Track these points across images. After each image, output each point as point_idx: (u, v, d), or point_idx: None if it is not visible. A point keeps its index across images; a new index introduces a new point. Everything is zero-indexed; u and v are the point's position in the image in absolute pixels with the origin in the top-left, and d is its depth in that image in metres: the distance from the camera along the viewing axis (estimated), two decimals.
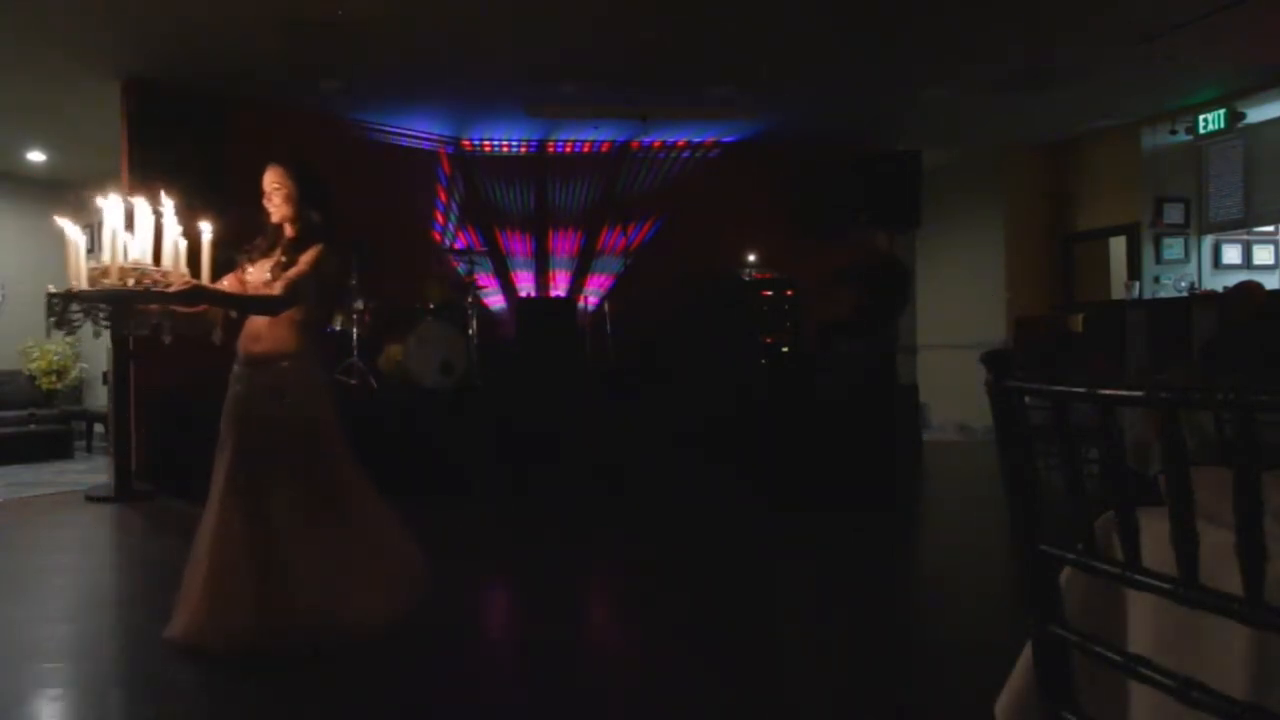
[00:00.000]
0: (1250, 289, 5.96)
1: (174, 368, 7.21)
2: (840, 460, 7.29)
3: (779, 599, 4.34)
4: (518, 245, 9.33)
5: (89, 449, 9.79)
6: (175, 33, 6.30)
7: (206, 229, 3.28)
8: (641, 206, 9.25)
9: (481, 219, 9.22)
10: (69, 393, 10.19)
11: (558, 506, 6.32)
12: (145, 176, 7.06)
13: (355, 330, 7.48)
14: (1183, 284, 8.64)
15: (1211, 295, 7.67)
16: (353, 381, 7.35)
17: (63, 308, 3.00)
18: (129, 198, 3.15)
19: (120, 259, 3.06)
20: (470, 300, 8.05)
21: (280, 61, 6.86)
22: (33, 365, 9.93)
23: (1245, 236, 8.91)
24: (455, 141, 9.12)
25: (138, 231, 3.12)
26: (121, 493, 6.63)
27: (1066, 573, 1.54)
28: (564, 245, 9.35)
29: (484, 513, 6.24)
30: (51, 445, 9.25)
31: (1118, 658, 1.28)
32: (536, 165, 9.30)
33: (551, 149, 9.30)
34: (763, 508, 6.41)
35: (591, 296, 9.16)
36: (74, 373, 10.19)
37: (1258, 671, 1.27)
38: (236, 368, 3.46)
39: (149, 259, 3.14)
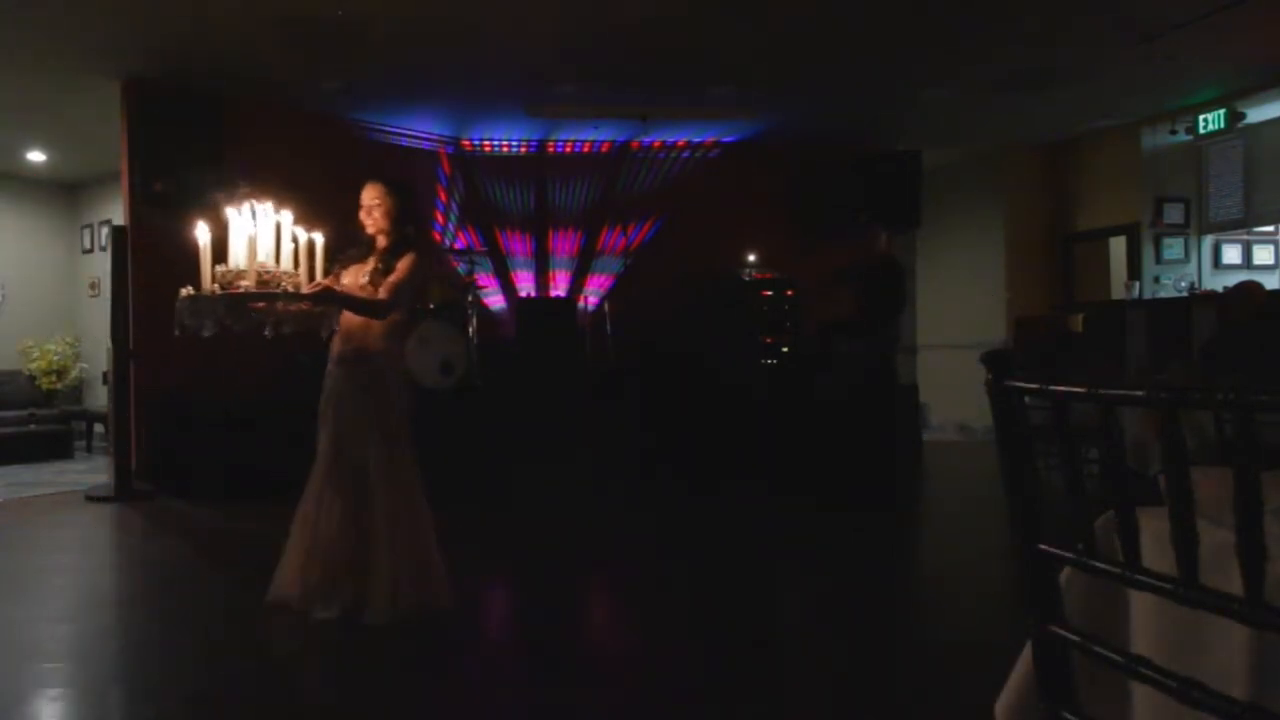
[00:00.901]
0: (1250, 289, 5.95)
1: (174, 368, 7.23)
2: (840, 460, 7.30)
3: (778, 599, 4.34)
4: (518, 245, 9.33)
5: (89, 449, 9.79)
6: (175, 33, 6.30)
7: (319, 236, 3.58)
8: (641, 206, 9.25)
9: (481, 219, 9.22)
10: (69, 393, 10.19)
11: (557, 506, 6.32)
12: (145, 176, 7.08)
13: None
14: (1183, 284, 8.63)
15: (1211, 295, 7.66)
16: None
17: (194, 310, 3.36)
18: (255, 206, 3.43)
19: (253, 263, 3.35)
20: (470, 300, 8.05)
21: (280, 61, 6.86)
22: (33, 365, 9.93)
23: (1245, 236, 8.91)
24: (455, 141, 9.12)
25: (263, 237, 3.42)
26: (121, 493, 6.63)
27: (1066, 573, 1.54)
28: (564, 245, 9.35)
29: (483, 513, 6.23)
30: (51, 445, 9.24)
31: (1118, 658, 1.28)
32: (536, 165, 9.30)
33: (551, 149, 9.30)
34: (763, 507, 6.41)
35: (591, 296, 9.16)
36: (74, 373, 10.19)
37: (1258, 671, 1.27)
38: (330, 364, 3.76)
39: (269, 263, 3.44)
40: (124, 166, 7.32)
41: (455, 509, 6.32)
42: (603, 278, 9.30)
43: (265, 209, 3.44)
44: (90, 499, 6.66)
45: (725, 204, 9.04)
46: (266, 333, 3.38)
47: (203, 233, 3.39)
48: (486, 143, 9.21)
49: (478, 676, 3.26)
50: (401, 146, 8.82)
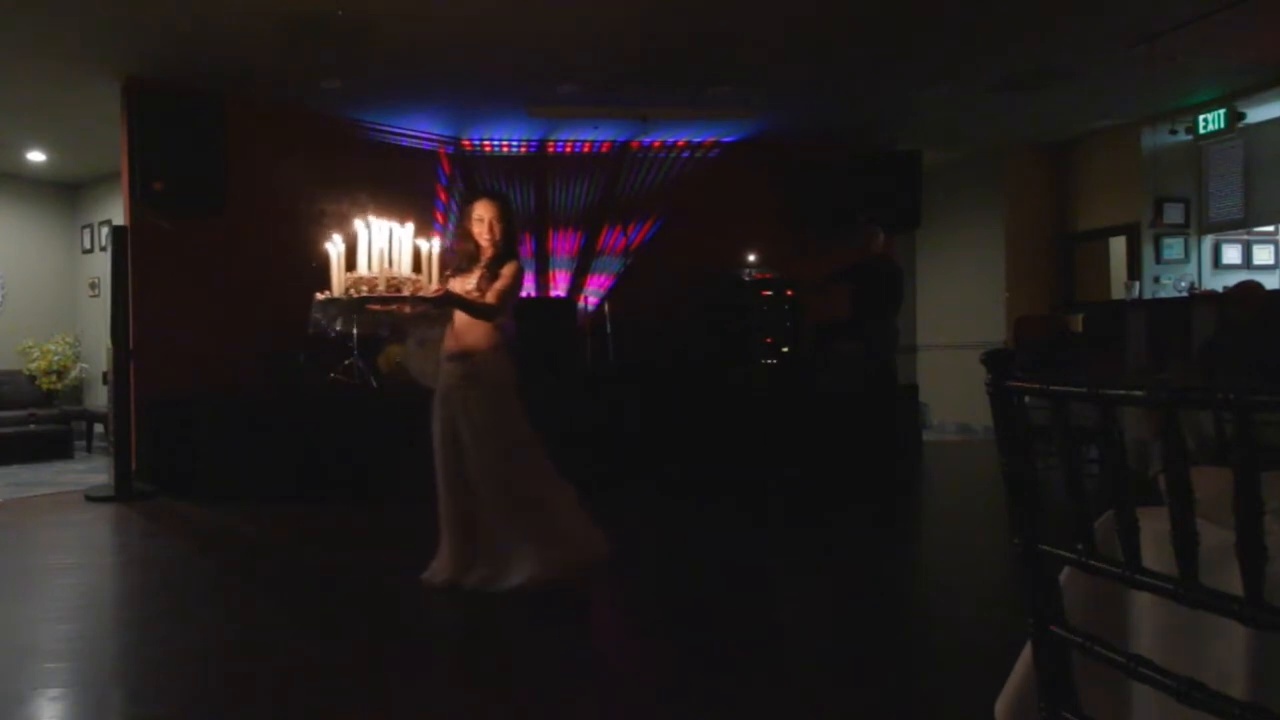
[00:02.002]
0: (1250, 289, 5.96)
1: (174, 368, 7.24)
2: (840, 460, 7.30)
3: (778, 599, 4.34)
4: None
5: (89, 449, 9.79)
6: (175, 33, 6.30)
7: (435, 243, 3.91)
8: (641, 206, 9.25)
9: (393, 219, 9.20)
10: (69, 393, 10.19)
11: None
12: (145, 176, 7.08)
13: (355, 330, 7.48)
14: (1183, 284, 8.63)
15: (1211, 295, 7.67)
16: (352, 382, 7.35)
17: (326, 311, 3.80)
18: (378, 220, 3.81)
19: (383, 270, 3.73)
20: None
21: (280, 61, 6.86)
22: (33, 365, 9.93)
23: (1245, 236, 8.91)
24: (455, 141, 9.12)
25: (392, 246, 3.78)
26: (121, 493, 6.62)
27: (1066, 573, 1.54)
28: (564, 245, 9.35)
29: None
30: (51, 445, 9.24)
31: (1118, 658, 1.28)
32: (536, 165, 9.29)
33: (551, 149, 9.30)
34: (762, 507, 6.41)
35: (591, 296, 9.16)
36: (74, 373, 10.19)
37: (1258, 671, 1.27)
38: (442, 361, 4.16)
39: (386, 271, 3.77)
40: (124, 166, 7.32)
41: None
42: (603, 278, 9.29)
43: (385, 223, 3.82)
44: (90, 499, 6.66)
45: (725, 204, 9.04)
46: (383, 332, 3.93)
47: (334, 244, 3.81)
48: (486, 143, 9.21)
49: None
50: (401, 146, 8.82)
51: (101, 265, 9.17)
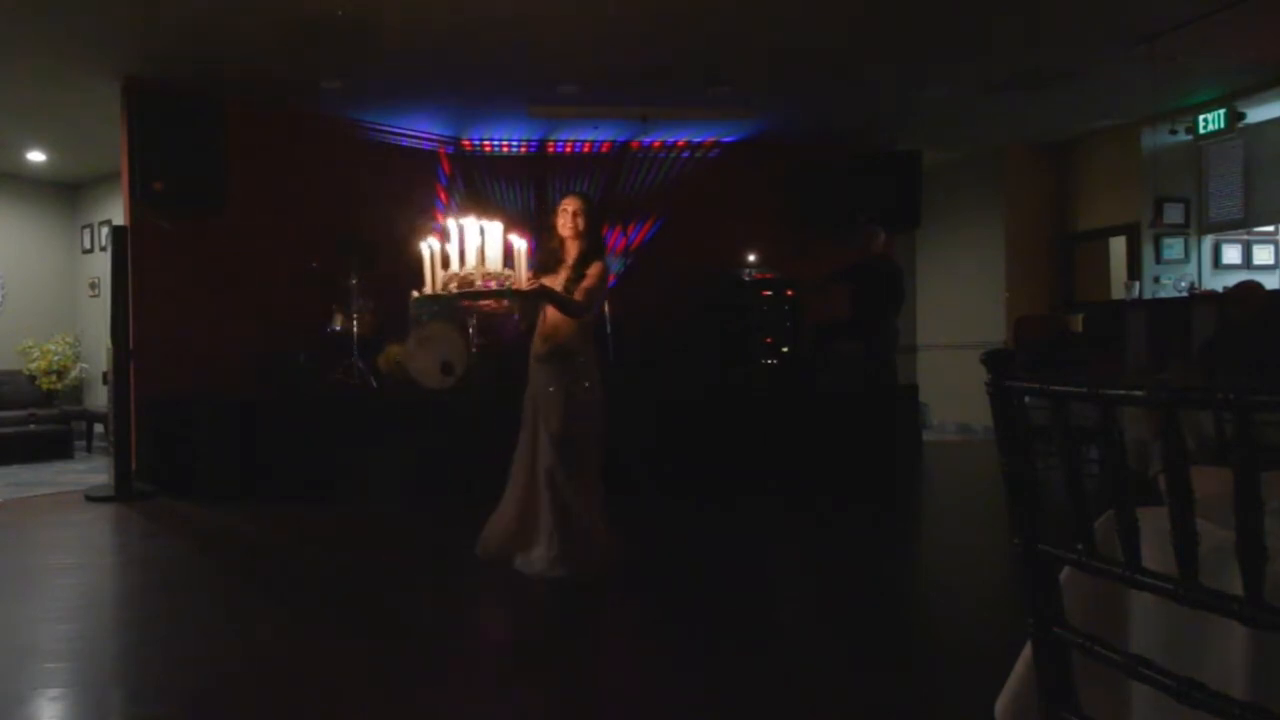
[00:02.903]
0: (1250, 289, 5.96)
1: (174, 368, 7.24)
2: (840, 460, 7.30)
3: (777, 599, 4.34)
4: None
5: (89, 449, 9.79)
6: (175, 33, 6.30)
7: (524, 241, 4.08)
8: (641, 206, 9.25)
9: (482, 219, 9.20)
10: (69, 393, 10.19)
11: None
12: (145, 176, 7.08)
13: (355, 330, 7.49)
14: (1183, 284, 8.63)
15: (1211, 295, 7.67)
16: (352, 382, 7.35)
17: (422, 306, 4.12)
18: (470, 220, 4.03)
19: (480, 267, 3.95)
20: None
21: (280, 61, 6.86)
22: (33, 365, 9.93)
23: (1245, 236, 8.91)
24: (455, 141, 9.12)
25: (483, 244, 3.98)
26: (121, 493, 6.62)
27: (1066, 573, 1.54)
28: None
29: (483, 513, 6.23)
30: (51, 445, 9.24)
31: (1118, 658, 1.28)
32: (536, 165, 9.29)
33: (551, 149, 9.30)
34: (762, 507, 6.41)
35: None
36: (74, 373, 10.19)
37: (1258, 671, 1.27)
38: (531, 360, 4.34)
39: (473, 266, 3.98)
40: (124, 166, 7.32)
41: (455, 509, 6.33)
42: None
43: (477, 222, 4.03)
44: (90, 499, 6.66)
45: (725, 204, 9.03)
46: (470, 327, 4.20)
47: (429, 244, 4.03)
48: (486, 143, 9.20)
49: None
50: (401, 146, 8.82)
51: (101, 265, 9.17)
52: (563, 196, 4.48)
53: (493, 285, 3.90)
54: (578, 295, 4.19)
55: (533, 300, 4.09)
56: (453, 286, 3.92)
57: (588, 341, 4.31)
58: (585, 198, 4.45)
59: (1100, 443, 1.29)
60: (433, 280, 4.00)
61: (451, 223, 4.02)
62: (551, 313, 4.28)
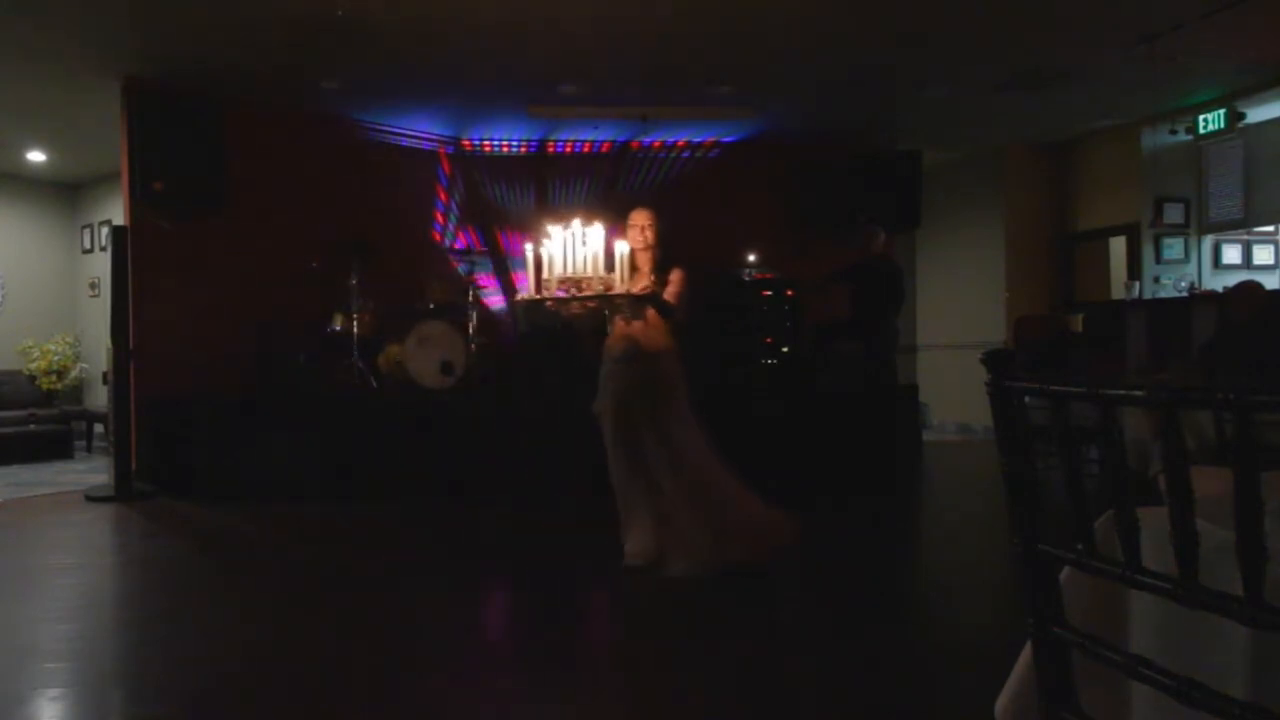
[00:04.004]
0: (1250, 289, 5.96)
1: (174, 368, 7.24)
2: (840, 460, 7.30)
3: (777, 598, 4.34)
4: (518, 245, 9.32)
5: (89, 449, 9.79)
6: (175, 33, 6.30)
7: (624, 245, 4.31)
8: (641, 206, 9.22)
9: (481, 219, 9.21)
10: (69, 393, 10.19)
11: (558, 506, 6.31)
12: (145, 176, 7.08)
13: (355, 330, 7.49)
14: (1183, 284, 8.63)
15: (1211, 295, 7.67)
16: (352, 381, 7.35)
17: (529, 310, 4.29)
18: (577, 226, 4.26)
19: (596, 271, 4.22)
20: (470, 300, 8.05)
21: (280, 61, 6.86)
22: (33, 365, 9.93)
23: (1245, 236, 8.91)
24: (455, 141, 9.11)
25: (578, 248, 4.25)
26: (121, 493, 6.62)
27: (1066, 573, 1.54)
28: None
29: (483, 512, 6.23)
30: (51, 445, 9.24)
31: (1118, 658, 1.28)
32: (536, 165, 9.29)
33: (551, 149, 9.29)
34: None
35: None
36: (74, 373, 10.19)
37: (1258, 671, 1.27)
38: (614, 364, 4.51)
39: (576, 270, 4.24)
40: (124, 166, 7.32)
41: (455, 509, 6.34)
42: None
43: (583, 228, 4.28)
44: (90, 499, 6.66)
45: (725, 204, 9.03)
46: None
47: (530, 249, 4.28)
48: (486, 143, 9.20)
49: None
50: (401, 146, 8.82)
51: (101, 265, 9.17)
52: (630, 211, 4.77)
53: (604, 290, 4.16)
54: (671, 300, 4.49)
55: (643, 305, 4.39)
56: (571, 289, 4.16)
57: (669, 341, 4.54)
58: (652, 210, 4.76)
59: (1100, 443, 1.29)
60: (537, 283, 4.23)
61: (556, 227, 4.25)
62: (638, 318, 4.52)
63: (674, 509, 4.33)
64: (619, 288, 4.21)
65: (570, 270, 4.17)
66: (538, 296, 4.25)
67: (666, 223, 4.87)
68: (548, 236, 4.24)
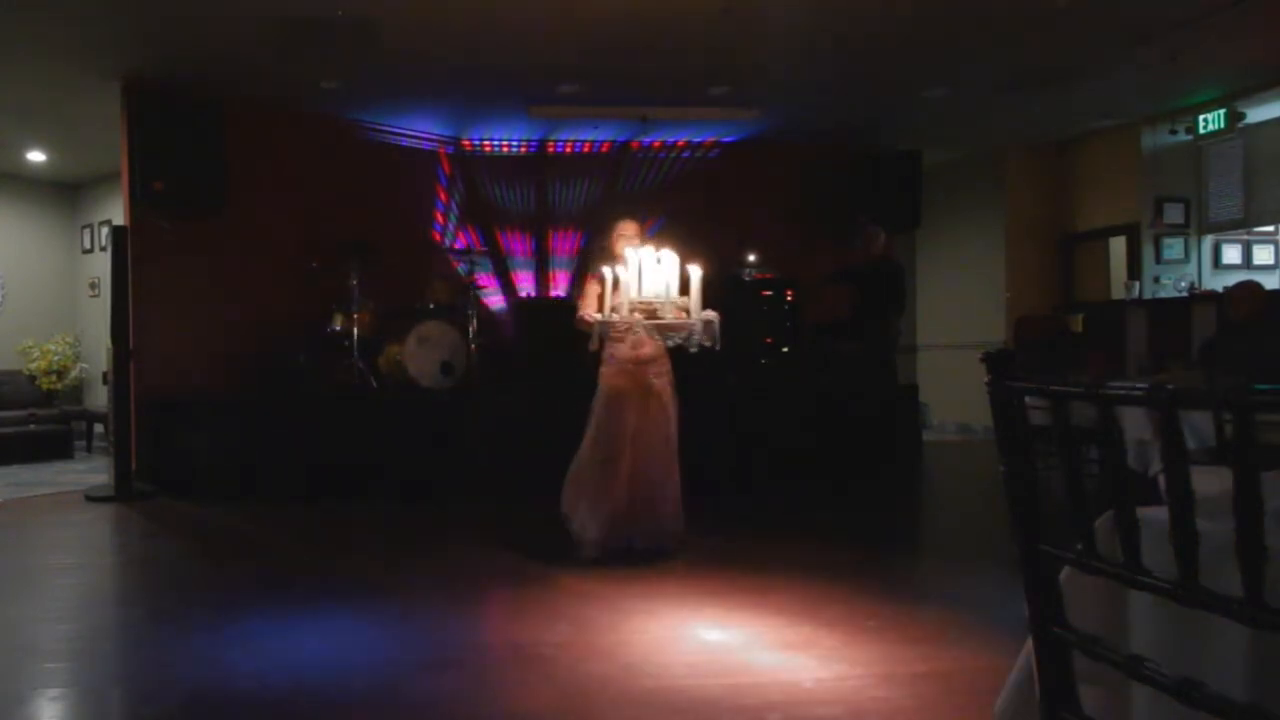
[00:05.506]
0: (1250, 289, 5.96)
1: (174, 368, 7.24)
2: (839, 460, 7.30)
3: (776, 599, 4.33)
4: (518, 245, 9.33)
5: (89, 449, 9.78)
6: (175, 33, 6.30)
7: (697, 270, 4.55)
8: (641, 206, 9.23)
9: (481, 219, 9.21)
10: (69, 393, 10.19)
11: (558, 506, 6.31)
12: (145, 176, 7.09)
13: (355, 330, 7.48)
14: (1183, 284, 8.63)
15: (1211, 295, 7.67)
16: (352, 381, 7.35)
17: (602, 329, 4.58)
18: (649, 249, 4.56)
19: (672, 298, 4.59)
20: (470, 300, 8.04)
21: (280, 61, 6.85)
22: (33, 365, 9.93)
23: (1245, 236, 8.91)
24: (455, 141, 9.11)
25: (652, 272, 4.55)
26: (121, 493, 6.62)
27: (1066, 573, 1.54)
28: (564, 245, 9.35)
29: (485, 513, 6.23)
30: (51, 445, 9.24)
31: (1118, 658, 1.28)
32: (536, 165, 9.29)
33: (551, 149, 9.29)
34: (761, 507, 6.41)
35: None
36: (74, 373, 10.19)
37: (1258, 671, 1.27)
38: (629, 365, 4.68)
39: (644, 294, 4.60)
40: (124, 166, 7.32)
41: (455, 509, 6.33)
42: None
43: (656, 251, 4.54)
44: (90, 499, 6.66)
45: (725, 204, 9.03)
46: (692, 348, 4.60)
47: (608, 272, 4.55)
48: (486, 143, 9.20)
49: None
50: (401, 146, 8.82)
51: (101, 265, 9.17)
52: (617, 219, 4.97)
53: (681, 317, 4.50)
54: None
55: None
56: (637, 315, 4.48)
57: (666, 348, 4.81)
58: (638, 219, 5.03)
59: (1100, 443, 1.29)
60: (608, 304, 4.55)
61: (629, 250, 4.57)
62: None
63: (658, 499, 4.69)
64: (608, 300, 4.52)
65: (639, 295, 4.47)
66: (601, 317, 4.57)
67: (666, 223, 4.91)
68: (623, 261, 4.52)
